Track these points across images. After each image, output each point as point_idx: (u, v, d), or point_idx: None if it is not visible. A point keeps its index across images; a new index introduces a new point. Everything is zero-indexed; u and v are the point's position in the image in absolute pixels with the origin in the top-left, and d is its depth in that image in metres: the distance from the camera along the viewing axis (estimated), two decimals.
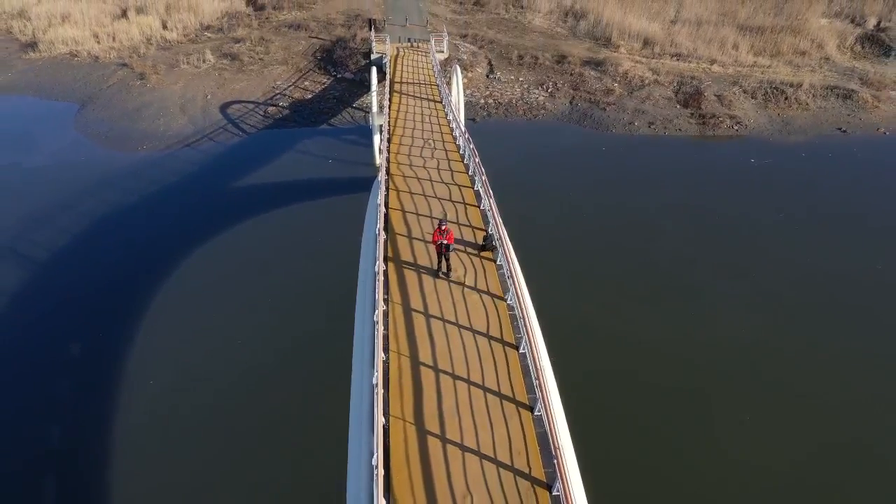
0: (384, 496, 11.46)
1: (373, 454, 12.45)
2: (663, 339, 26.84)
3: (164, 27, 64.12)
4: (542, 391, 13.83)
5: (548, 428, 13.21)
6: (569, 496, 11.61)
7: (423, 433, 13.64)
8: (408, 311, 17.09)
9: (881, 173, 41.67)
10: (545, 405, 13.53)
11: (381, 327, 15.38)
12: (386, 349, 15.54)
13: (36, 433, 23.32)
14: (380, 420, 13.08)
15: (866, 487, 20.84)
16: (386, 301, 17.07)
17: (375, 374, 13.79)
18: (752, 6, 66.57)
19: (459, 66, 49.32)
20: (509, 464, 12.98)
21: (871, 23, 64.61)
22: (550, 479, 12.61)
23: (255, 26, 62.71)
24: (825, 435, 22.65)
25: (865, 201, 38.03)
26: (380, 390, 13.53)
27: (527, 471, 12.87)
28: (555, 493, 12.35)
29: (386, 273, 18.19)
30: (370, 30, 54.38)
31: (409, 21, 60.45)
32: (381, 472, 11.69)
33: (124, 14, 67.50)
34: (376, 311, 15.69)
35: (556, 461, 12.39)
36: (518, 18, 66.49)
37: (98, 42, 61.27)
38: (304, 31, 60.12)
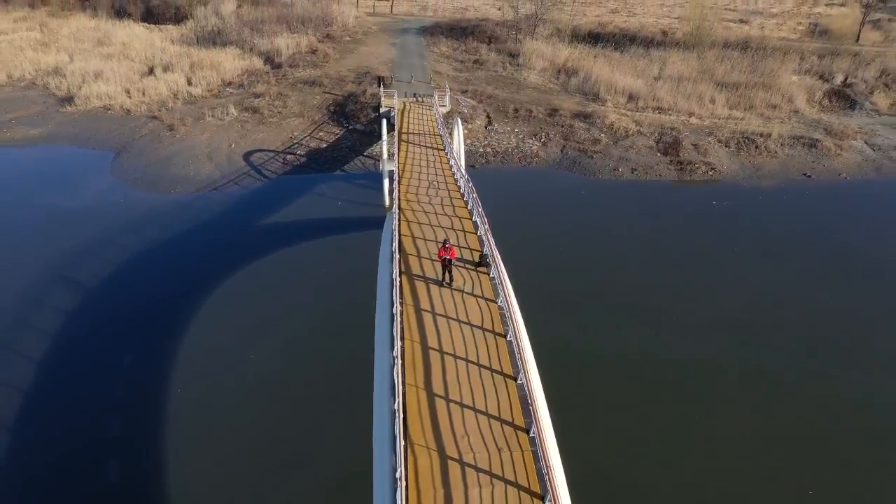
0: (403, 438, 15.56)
1: (394, 410, 16.53)
2: (626, 331, 32.68)
3: (189, 83, 69.82)
4: (523, 365, 17.98)
5: (527, 391, 17.30)
6: (542, 435, 15.69)
7: (431, 396, 17.71)
8: (418, 310, 21.33)
9: (827, 213, 46.74)
10: (526, 375, 17.66)
11: (398, 320, 19.63)
12: (401, 338, 19.69)
13: (84, 423, 27.57)
14: (399, 387, 17.19)
15: (796, 473, 24.93)
16: (400, 303, 21.31)
17: (396, 347, 17.97)
18: (729, 64, 72.52)
19: (460, 118, 54.48)
20: (497, 415, 17.02)
21: (839, 79, 70.52)
22: (528, 425, 16.64)
23: (273, 83, 68.50)
24: (763, 432, 26.77)
25: (809, 237, 42.84)
26: (399, 362, 17.70)
27: (510, 420, 16.90)
28: (531, 435, 16.36)
29: (400, 282, 22.47)
30: (379, 86, 60.04)
31: (414, 78, 66.23)
32: (401, 414, 15.80)
33: (151, 72, 73.44)
34: (394, 307, 19.97)
35: (532, 410, 16.50)
36: (514, 75, 72.44)
37: (129, 97, 66.82)
38: (318, 87, 65.80)
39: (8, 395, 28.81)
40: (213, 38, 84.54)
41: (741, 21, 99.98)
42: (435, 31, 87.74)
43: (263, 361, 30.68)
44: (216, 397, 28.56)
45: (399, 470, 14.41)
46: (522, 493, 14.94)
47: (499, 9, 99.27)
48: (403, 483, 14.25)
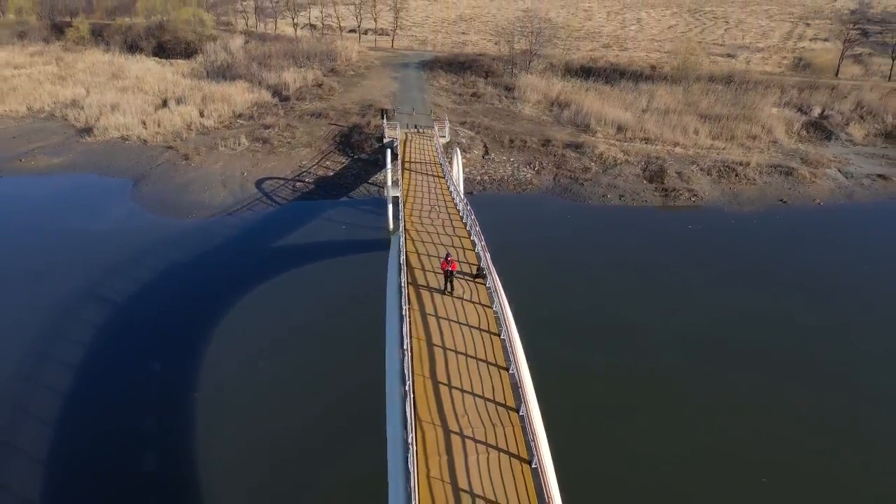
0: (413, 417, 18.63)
1: (404, 394, 19.60)
2: (607, 333, 36.91)
3: (202, 115, 73.62)
4: (514, 358, 21.10)
5: (517, 378, 20.39)
6: (530, 414, 18.77)
7: (436, 383, 20.76)
8: (424, 314, 24.47)
9: (800, 236, 50.11)
10: (516, 365, 20.78)
11: (406, 320, 22.77)
12: (409, 336, 22.79)
13: (108, 422, 30.64)
14: (409, 375, 20.26)
15: (762, 467, 27.99)
16: (408, 308, 24.44)
17: (406, 342, 21.10)
18: (713, 97, 76.67)
19: (459, 148, 58.02)
20: (492, 398, 20.08)
21: (816, 111, 74.50)
22: (518, 406, 19.70)
23: (282, 114, 72.39)
24: (721, 433, 29.79)
25: (781, 259, 46.07)
26: (408, 355, 20.80)
27: (503, 402, 19.95)
28: (521, 413, 19.40)
29: (407, 291, 25.64)
30: (382, 118, 63.88)
31: (415, 110, 70.14)
32: (412, 395, 18.87)
33: (165, 104, 77.35)
34: (403, 308, 23.12)
35: (521, 394, 19.58)
36: (510, 108, 76.49)
37: (145, 128, 70.45)
38: (324, 119, 69.67)
39: (44, 396, 31.90)
40: (223, 73, 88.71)
41: (728, 55, 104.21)
42: (434, 65, 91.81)
43: (277, 366, 33.83)
44: (232, 398, 31.71)
45: (410, 436, 17.44)
46: (513, 459, 17.94)
47: (496, 44, 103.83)
48: (414, 448, 17.29)
